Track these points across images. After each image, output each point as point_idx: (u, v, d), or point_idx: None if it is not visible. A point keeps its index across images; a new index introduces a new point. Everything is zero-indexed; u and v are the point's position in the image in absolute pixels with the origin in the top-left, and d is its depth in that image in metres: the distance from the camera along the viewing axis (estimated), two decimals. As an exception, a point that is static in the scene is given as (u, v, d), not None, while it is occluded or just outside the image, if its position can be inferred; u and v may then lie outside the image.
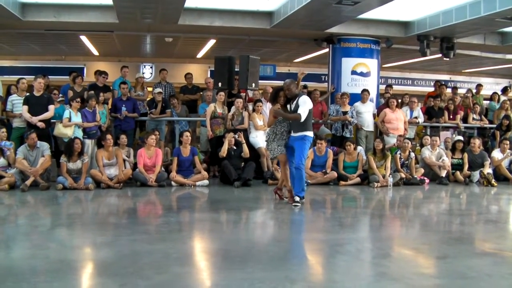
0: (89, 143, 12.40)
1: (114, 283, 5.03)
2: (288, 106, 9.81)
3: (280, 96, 9.85)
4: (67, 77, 15.29)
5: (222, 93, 13.48)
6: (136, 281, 5.07)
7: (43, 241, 6.85)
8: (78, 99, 12.36)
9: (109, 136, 11.92)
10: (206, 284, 5.29)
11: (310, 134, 9.80)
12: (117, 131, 13.19)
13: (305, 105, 9.55)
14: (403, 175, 13.03)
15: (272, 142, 9.87)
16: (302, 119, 9.49)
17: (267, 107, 13.79)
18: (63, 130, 12.04)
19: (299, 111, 9.49)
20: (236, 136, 12.69)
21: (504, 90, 18.47)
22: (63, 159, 11.36)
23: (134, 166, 12.24)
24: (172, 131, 14.63)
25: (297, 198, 9.66)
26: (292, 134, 9.73)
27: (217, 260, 6.16)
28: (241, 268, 5.53)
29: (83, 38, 17.61)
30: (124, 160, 12.12)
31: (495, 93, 18.23)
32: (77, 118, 12.18)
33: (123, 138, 12.44)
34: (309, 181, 12.35)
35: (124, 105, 13.50)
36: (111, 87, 14.68)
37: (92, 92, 13.16)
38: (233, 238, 7.35)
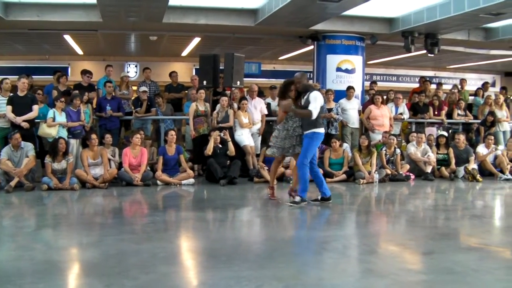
0: (74, 142, 12.31)
1: (100, 283, 5.00)
2: (298, 101, 9.46)
3: (291, 90, 9.45)
4: (52, 76, 15.19)
5: (202, 91, 13.42)
6: (122, 281, 5.05)
7: (28, 242, 6.81)
8: (63, 99, 12.27)
9: (94, 136, 11.86)
10: (193, 283, 5.27)
11: (319, 130, 9.27)
12: (102, 131, 13.14)
13: (316, 101, 9.10)
14: (389, 171, 13.07)
15: (283, 140, 9.44)
16: (314, 116, 9.05)
17: (252, 104, 13.80)
18: (47, 130, 11.96)
19: (310, 108, 9.04)
20: (222, 134, 12.67)
21: (484, 85, 18.54)
22: (47, 159, 11.30)
23: (120, 166, 12.20)
24: (157, 130, 14.58)
25: (297, 198, 9.34)
26: (303, 131, 9.36)
27: (203, 259, 6.15)
28: (228, 267, 5.52)
29: (67, 38, 17.53)
30: (109, 160, 12.08)
31: (479, 88, 18.30)
32: (61, 117, 12.10)
33: (108, 138, 12.40)
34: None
35: (109, 104, 13.44)
36: (95, 86, 14.60)
37: (77, 91, 13.10)
38: (220, 237, 7.34)
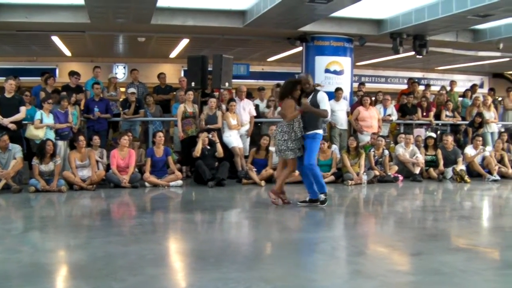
0: (62, 144, 12.26)
1: (87, 285, 4.99)
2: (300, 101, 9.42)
3: (297, 89, 9.38)
4: (39, 78, 15.12)
5: (190, 92, 13.41)
6: (110, 283, 5.04)
7: (15, 244, 6.77)
8: (50, 100, 12.22)
9: (81, 138, 11.82)
10: (180, 285, 5.27)
11: (320, 132, 9.45)
12: (90, 132, 13.09)
13: (324, 100, 9.26)
14: (377, 173, 13.09)
15: (292, 141, 9.24)
16: (329, 116, 9.50)
17: (240, 106, 13.79)
18: (34, 132, 11.89)
19: (324, 107, 9.20)
20: (210, 135, 12.66)
21: (472, 87, 18.60)
22: (35, 161, 11.24)
23: (107, 167, 12.16)
24: (146, 132, 14.54)
25: (322, 197, 9.43)
26: (304, 132, 9.34)
27: (191, 260, 6.15)
28: (216, 269, 5.51)
29: (55, 39, 17.45)
30: (97, 161, 12.04)
31: (467, 90, 18.36)
32: (48, 119, 12.04)
33: (96, 139, 12.35)
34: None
35: (96, 106, 13.38)
36: (83, 88, 14.55)
37: (64, 93, 13.05)
38: (208, 238, 7.32)
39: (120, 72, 22.65)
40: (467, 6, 12.14)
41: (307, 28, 14.94)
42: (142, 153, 13.19)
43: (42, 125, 11.89)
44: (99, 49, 20.20)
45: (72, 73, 14.31)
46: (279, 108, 14.58)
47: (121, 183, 11.65)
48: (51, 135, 11.99)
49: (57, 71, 21.13)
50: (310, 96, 9.31)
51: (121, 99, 15.17)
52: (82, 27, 14.93)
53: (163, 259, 6.19)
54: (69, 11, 13.76)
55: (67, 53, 20.43)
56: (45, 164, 11.26)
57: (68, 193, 11.11)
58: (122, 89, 16.26)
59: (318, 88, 9.93)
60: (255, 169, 12.63)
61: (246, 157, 13.44)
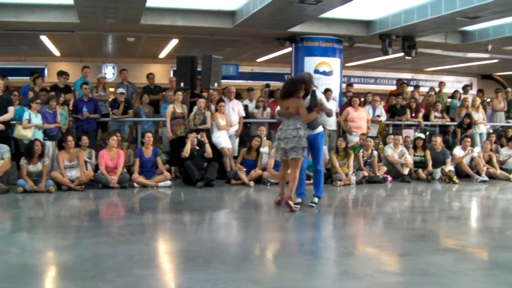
0: (50, 144, 12.21)
1: (75, 287, 4.99)
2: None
3: (302, 89, 9.29)
4: (28, 78, 15.07)
5: (179, 93, 13.41)
6: (97, 284, 5.03)
7: (3, 245, 6.73)
8: (39, 100, 12.17)
9: (70, 138, 11.78)
10: (169, 286, 5.27)
11: (322, 129, 9.74)
12: (79, 132, 13.06)
13: (324, 100, 9.56)
14: (366, 173, 13.12)
15: (296, 141, 9.09)
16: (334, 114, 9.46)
17: (229, 106, 13.78)
18: (23, 132, 11.84)
19: (327, 106, 9.51)
20: (199, 136, 12.65)
21: (464, 88, 18.69)
22: (23, 161, 11.19)
23: (96, 168, 12.12)
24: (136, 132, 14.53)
25: (316, 199, 9.60)
26: (310, 131, 9.35)
27: (180, 261, 6.15)
28: (204, 269, 5.50)
29: (44, 39, 17.37)
30: (86, 162, 12.00)
31: (456, 91, 18.41)
32: (37, 119, 11.99)
33: (85, 140, 12.31)
34: (272, 180, 12.39)
35: (85, 106, 13.34)
36: (72, 88, 14.50)
37: (53, 93, 13.00)
38: (196, 239, 7.31)
39: (109, 72, 22.58)
40: (456, 7, 12.17)
41: (297, 28, 14.96)
42: (131, 153, 13.14)
43: (30, 125, 11.84)
44: (88, 49, 20.14)
45: (61, 73, 14.26)
46: (268, 109, 14.64)
47: (110, 183, 11.61)
48: (40, 135, 11.94)
49: (45, 71, 20.99)
50: (308, 96, 9.33)
51: (110, 99, 15.13)
52: (71, 27, 14.88)
53: (152, 260, 6.17)
54: (58, 10, 13.71)
55: (56, 53, 20.35)
56: (33, 164, 11.20)
57: (57, 193, 11.05)
58: (111, 89, 16.22)
59: (314, 88, 9.91)
60: (245, 169, 12.64)
61: (235, 157, 13.43)
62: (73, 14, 13.36)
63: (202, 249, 6.53)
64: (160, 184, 12.05)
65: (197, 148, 12.56)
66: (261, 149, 12.94)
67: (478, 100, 16.70)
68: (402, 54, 16.75)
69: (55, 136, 12.35)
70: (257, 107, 15.11)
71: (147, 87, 16.00)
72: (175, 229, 8.08)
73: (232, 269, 5.62)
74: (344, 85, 17.86)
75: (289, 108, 9.14)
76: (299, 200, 9.47)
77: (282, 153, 9.20)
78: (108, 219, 9.31)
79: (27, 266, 5.70)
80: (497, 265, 6.05)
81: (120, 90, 14.13)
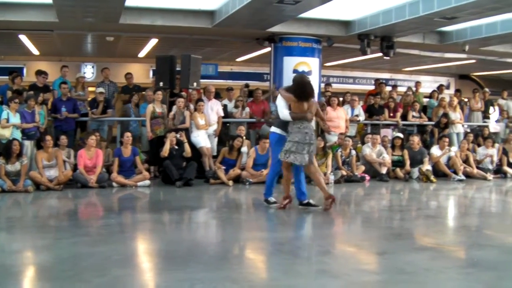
0: (28, 144, 12.15)
1: (52, 287, 4.97)
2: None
3: None
4: (6, 77, 14.96)
5: (159, 92, 13.41)
6: (75, 284, 5.03)
7: (-20, 246, 6.70)
8: (17, 100, 12.11)
9: (48, 137, 11.74)
10: (147, 286, 5.27)
11: None
12: (57, 132, 13.00)
13: None
14: (344, 173, 13.19)
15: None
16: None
17: (208, 106, 13.79)
18: (0, 131, 11.76)
19: None
20: (178, 135, 12.65)
21: (439, 88, 18.83)
22: (1, 161, 11.12)
23: (75, 167, 12.08)
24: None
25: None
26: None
27: (158, 261, 6.16)
28: (182, 269, 5.53)
29: (23, 38, 17.25)
30: (64, 161, 11.96)
31: (434, 91, 18.59)
32: (15, 119, 11.92)
33: (63, 139, 12.27)
34: (250, 179, 12.43)
35: (64, 106, 13.29)
36: (51, 87, 14.43)
37: (32, 92, 12.94)
38: (175, 239, 7.32)
39: (89, 71, 22.47)
40: (434, 8, 12.25)
41: (276, 28, 14.98)
42: (110, 153, 13.12)
43: (9, 125, 11.78)
44: (67, 48, 20.03)
45: (39, 72, 14.19)
46: (247, 109, 14.68)
47: (89, 183, 11.58)
48: (18, 134, 11.88)
49: (24, 70, 20.84)
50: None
51: (89, 99, 15.07)
52: (51, 26, 14.77)
53: (130, 260, 6.16)
54: (37, 9, 13.62)
55: (35, 52, 20.22)
56: (11, 164, 11.15)
57: (35, 193, 11.00)
58: (91, 89, 16.16)
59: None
60: (224, 167, 12.67)
61: (214, 157, 13.45)
62: (52, 13, 13.28)
63: (181, 248, 6.55)
64: (139, 183, 12.04)
65: (176, 147, 12.55)
66: (241, 149, 12.98)
67: (456, 100, 16.86)
68: (380, 54, 16.82)
69: (34, 136, 12.30)
70: (236, 106, 15.11)
71: (126, 87, 15.97)
72: (153, 228, 8.08)
73: (210, 268, 5.64)
74: (322, 85, 17.93)
75: (310, 109, 9.09)
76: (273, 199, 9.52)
77: (308, 156, 9.02)
78: (87, 219, 9.28)
79: (5, 266, 5.68)
80: (472, 263, 6.11)
81: (100, 89, 14.10)
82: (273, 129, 9.35)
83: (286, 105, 9.03)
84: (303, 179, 9.38)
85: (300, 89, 9.06)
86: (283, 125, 9.15)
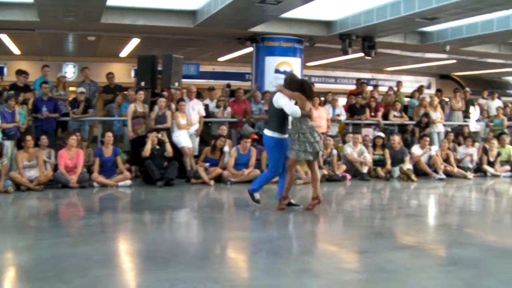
0: (9, 144, 12.05)
1: (32, 288, 4.96)
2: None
3: None
4: (-12, 77, 14.87)
5: (141, 92, 13.37)
6: (55, 285, 5.01)
7: (-41, 246, 6.66)
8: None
9: (29, 137, 11.65)
10: (127, 286, 5.26)
11: None
12: (38, 132, 12.92)
13: None
14: (326, 172, 13.22)
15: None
16: None
17: (190, 105, 13.78)
18: (-20, 132, 11.72)
19: None
20: (159, 135, 12.62)
21: (419, 88, 18.94)
22: (-19, 161, 11.08)
23: (55, 168, 12.02)
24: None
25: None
26: (284, 136, 9.21)
27: (139, 261, 6.14)
28: (163, 269, 5.51)
29: (3, 37, 17.13)
30: (45, 162, 11.89)
31: (415, 90, 18.71)
32: (-5, 119, 11.87)
33: (44, 139, 12.20)
34: (232, 179, 12.43)
35: (45, 105, 13.21)
36: (31, 87, 14.35)
37: (12, 92, 12.86)
38: (156, 239, 7.30)
39: (70, 71, 22.33)
40: (415, 9, 12.32)
41: (258, 28, 15.00)
42: (91, 152, 13.05)
43: (-11, 125, 11.72)
44: (49, 47, 19.91)
45: (20, 72, 14.11)
46: (228, 108, 14.68)
47: (69, 183, 11.52)
48: (-2, 135, 11.82)
49: (5, 69, 20.73)
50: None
51: (70, 99, 15.00)
52: (32, 25, 14.68)
53: (111, 260, 6.14)
54: (18, 8, 13.52)
55: (16, 51, 20.08)
56: (-9, 164, 11.09)
57: (15, 193, 10.91)
58: (72, 88, 16.07)
59: None
60: (208, 164, 12.68)
61: (195, 156, 13.45)
62: (33, 12, 13.21)
63: (162, 248, 6.53)
64: (120, 183, 12.00)
65: (158, 147, 12.52)
66: (223, 148, 12.99)
67: (436, 100, 16.98)
68: (362, 54, 16.90)
69: (14, 136, 12.21)
70: (217, 106, 15.10)
71: (107, 86, 15.91)
72: (135, 228, 8.06)
73: (191, 268, 5.64)
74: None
75: (311, 109, 9.12)
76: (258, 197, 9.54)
77: (313, 155, 9.03)
78: (68, 219, 9.24)
79: (-15, 267, 5.65)
80: (452, 261, 6.17)
81: (81, 89, 14.04)
82: (270, 133, 9.07)
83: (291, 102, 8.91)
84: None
85: (307, 88, 9.06)
86: (280, 127, 9.03)
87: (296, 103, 8.87)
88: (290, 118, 9.06)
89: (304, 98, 8.79)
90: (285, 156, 9.12)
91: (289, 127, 9.21)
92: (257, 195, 9.51)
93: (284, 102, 8.81)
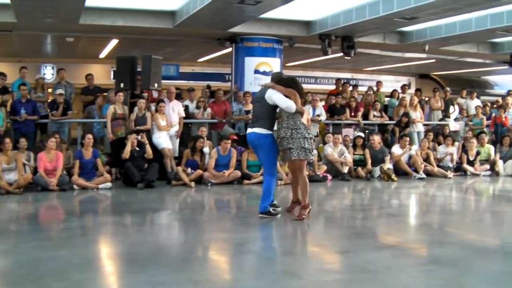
0: (-13, 147, 11.98)
1: (11, 292, 4.92)
2: None
3: None
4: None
5: (121, 93, 13.29)
6: (34, 289, 4.97)
7: None
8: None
9: (7, 140, 11.55)
10: (108, 289, 5.23)
11: None
12: (17, 135, 12.81)
13: None
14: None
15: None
16: None
17: (170, 107, 13.72)
18: (-42, 135, 11.60)
19: None
20: (139, 137, 12.56)
21: (403, 88, 19.06)
22: (-41, 164, 10.97)
23: (35, 170, 11.92)
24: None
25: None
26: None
27: (120, 264, 6.12)
28: (144, 271, 5.49)
29: (-20, 38, 17.04)
30: (24, 164, 11.79)
31: (395, 90, 18.80)
32: (-27, 121, 11.76)
33: (23, 142, 12.09)
34: (213, 180, 12.41)
35: (23, 108, 13.11)
36: (9, 89, 14.23)
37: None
38: (137, 241, 7.26)
39: (49, 72, 22.22)
40: (394, 8, 12.38)
41: (237, 29, 14.99)
42: (70, 155, 12.95)
43: (-34, 128, 11.61)
44: (26, 49, 19.78)
45: (-1, 74, 14.01)
46: (208, 109, 14.66)
47: (49, 186, 11.42)
48: (-24, 138, 11.70)
49: (-18, 71, 20.58)
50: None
51: (49, 100, 14.90)
52: (9, 26, 14.56)
53: (91, 263, 6.09)
54: (-6, 9, 13.45)
55: (-7, 53, 19.99)
56: (-31, 167, 10.99)
57: (-6, 197, 10.85)
58: (51, 90, 15.98)
59: None
60: (191, 171, 12.62)
61: (175, 158, 13.40)
62: (11, 13, 13.11)
63: (143, 251, 6.50)
64: (100, 186, 11.92)
65: (137, 149, 12.44)
66: (203, 150, 12.96)
67: (416, 99, 17.08)
68: (341, 54, 16.96)
69: (-8, 139, 12.11)
70: (197, 107, 15.06)
71: (86, 88, 15.82)
72: (115, 231, 8.04)
73: (172, 270, 5.63)
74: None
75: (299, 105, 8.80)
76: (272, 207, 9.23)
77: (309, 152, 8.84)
78: (48, 223, 9.18)
79: (-37, 272, 5.60)
80: (433, 261, 6.20)
81: (59, 91, 13.93)
82: (264, 131, 8.76)
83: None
84: None
85: (298, 84, 8.88)
86: (272, 124, 8.88)
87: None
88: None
89: (297, 94, 8.68)
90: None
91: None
92: (270, 209, 8.82)
93: (278, 97, 8.55)
